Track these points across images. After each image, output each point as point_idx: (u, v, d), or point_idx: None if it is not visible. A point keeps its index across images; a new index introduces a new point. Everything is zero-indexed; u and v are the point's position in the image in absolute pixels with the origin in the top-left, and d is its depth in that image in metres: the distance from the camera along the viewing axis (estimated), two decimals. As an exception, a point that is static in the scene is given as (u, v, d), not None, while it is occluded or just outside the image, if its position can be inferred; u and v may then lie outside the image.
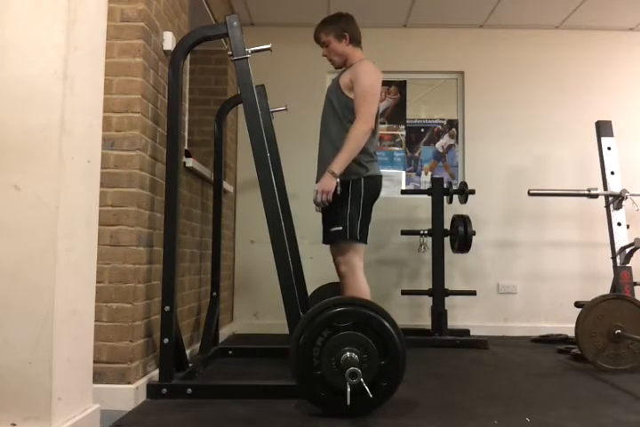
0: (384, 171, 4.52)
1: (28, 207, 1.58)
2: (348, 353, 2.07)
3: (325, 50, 2.99)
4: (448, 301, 3.92)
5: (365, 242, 2.82)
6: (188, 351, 2.86)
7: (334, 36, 2.93)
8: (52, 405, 1.56)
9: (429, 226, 3.99)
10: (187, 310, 3.10)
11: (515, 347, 3.85)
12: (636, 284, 3.49)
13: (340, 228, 2.76)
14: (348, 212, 2.76)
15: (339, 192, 2.71)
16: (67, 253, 1.63)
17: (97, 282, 1.88)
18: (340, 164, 2.69)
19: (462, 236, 3.85)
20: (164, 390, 2.32)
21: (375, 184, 2.86)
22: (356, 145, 2.71)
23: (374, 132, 2.88)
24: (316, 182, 2.83)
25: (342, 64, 2.98)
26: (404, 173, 4.59)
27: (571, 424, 2.05)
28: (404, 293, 4.07)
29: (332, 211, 2.80)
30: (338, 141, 2.79)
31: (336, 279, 2.95)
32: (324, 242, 2.90)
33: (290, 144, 4.10)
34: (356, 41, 2.97)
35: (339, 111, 2.84)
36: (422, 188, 4.47)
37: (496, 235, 4.43)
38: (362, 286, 2.74)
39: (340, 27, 2.94)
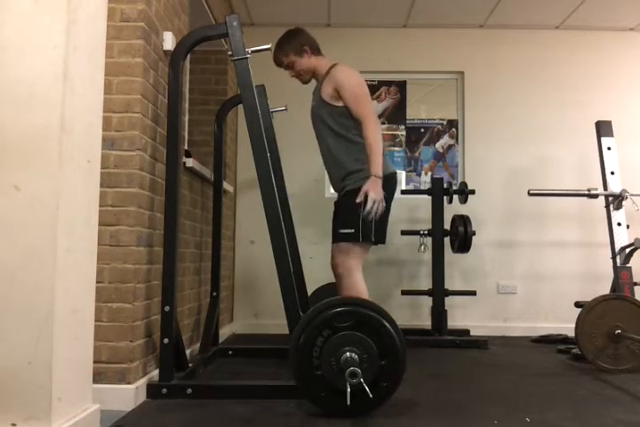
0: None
1: (28, 207, 1.58)
2: (347, 353, 2.06)
3: (291, 71, 2.97)
4: (448, 301, 3.92)
5: (383, 242, 2.85)
6: (188, 351, 2.86)
7: (294, 53, 2.90)
8: (52, 405, 1.56)
9: (429, 226, 3.99)
10: (187, 310, 3.10)
11: (515, 347, 3.85)
12: (636, 284, 3.49)
13: (352, 230, 2.74)
14: (362, 215, 2.73)
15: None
16: (67, 253, 1.63)
17: (97, 282, 1.88)
18: (377, 166, 2.68)
19: (462, 236, 3.85)
20: (164, 391, 2.32)
21: (389, 183, 2.85)
22: (378, 145, 2.71)
23: None
24: (337, 203, 2.89)
25: (311, 78, 2.97)
26: (404, 173, 4.59)
27: (571, 424, 2.05)
28: (403, 293, 4.07)
29: (344, 213, 2.80)
30: (340, 155, 2.81)
31: (336, 279, 2.95)
32: (334, 241, 2.87)
33: (290, 144, 4.10)
34: (316, 50, 2.95)
35: (333, 125, 2.83)
36: (422, 188, 4.46)
37: (496, 235, 4.43)
38: (359, 287, 2.74)
39: (297, 43, 2.91)
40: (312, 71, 2.94)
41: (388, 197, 2.83)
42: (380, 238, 2.82)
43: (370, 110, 2.76)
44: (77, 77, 1.69)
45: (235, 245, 4.46)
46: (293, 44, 2.90)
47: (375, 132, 2.72)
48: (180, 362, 2.53)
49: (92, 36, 1.81)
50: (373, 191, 2.65)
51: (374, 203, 2.65)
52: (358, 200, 2.66)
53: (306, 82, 3.01)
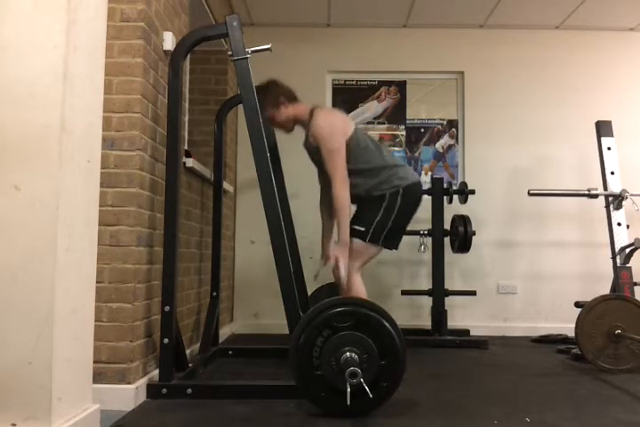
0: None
1: (28, 207, 1.58)
2: (347, 353, 2.06)
3: (273, 124, 2.99)
4: (448, 301, 3.91)
5: (396, 248, 2.89)
6: (188, 351, 2.86)
7: (272, 107, 2.90)
8: (52, 405, 1.56)
9: (429, 226, 3.98)
10: (187, 310, 3.10)
11: (515, 347, 3.85)
12: (636, 284, 3.49)
13: (363, 229, 2.79)
14: (378, 218, 2.78)
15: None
16: (67, 252, 1.63)
17: (97, 282, 1.88)
18: (345, 231, 2.71)
19: (462, 236, 3.85)
20: (164, 391, 2.32)
21: (413, 192, 2.87)
22: (344, 207, 2.72)
23: (376, 146, 2.92)
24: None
25: (294, 126, 2.99)
26: (404, 173, 4.58)
27: (571, 424, 2.05)
28: (403, 293, 4.07)
29: (362, 212, 2.84)
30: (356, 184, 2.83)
31: (336, 279, 2.95)
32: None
33: (290, 144, 4.08)
34: (292, 98, 2.96)
35: None
36: (422, 188, 4.46)
37: (496, 235, 4.43)
38: (357, 288, 2.76)
39: (272, 96, 2.90)
40: (293, 120, 2.96)
41: (407, 208, 2.85)
42: (391, 244, 2.86)
43: (340, 170, 2.75)
44: (77, 77, 1.69)
45: (235, 245, 4.45)
46: (269, 98, 2.88)
47: (342, 195, 2.72)
48: (180, 362, 2.53)
49: (92, 36, 1.81)
50: (343, 258, 2.70)
51: (339, 264, 2.70)
52: (332, 262, 2.73)
53: (290, 130, 3.04)
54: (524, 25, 4.49)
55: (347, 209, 2.73)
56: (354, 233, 2.80)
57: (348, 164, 2.80)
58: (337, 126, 2.83)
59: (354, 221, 2.83)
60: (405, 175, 2.86)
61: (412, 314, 4.35)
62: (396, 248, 2.91)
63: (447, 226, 4.02)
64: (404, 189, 2.82)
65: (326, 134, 2.79)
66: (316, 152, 2.89)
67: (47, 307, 1.56)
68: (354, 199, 2.84)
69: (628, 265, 3.49)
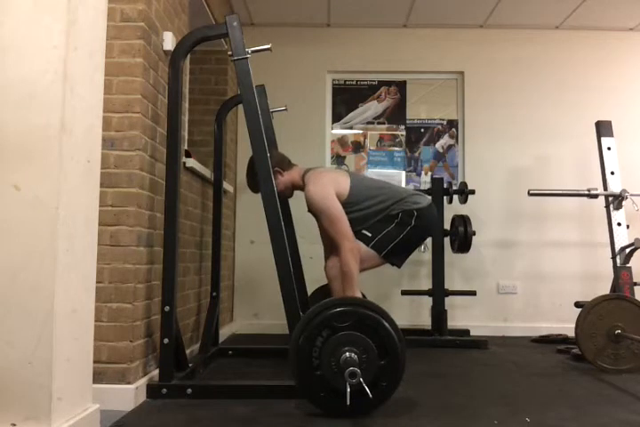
0: (384, 171, 4.53)
1: (28, 207, 1.58)
2: (347, 353, 2.06)
3: None
4: (448, 301, 3.91)
5: (397, 265, 2.90)
6: (188, 351, 2.86)
7: None
8: (52, 405, 1.56)
9: (429, 226, 3.98)
10: (187, 310, 3.10)
11: (515, 347, 3.85)
12: (636, 284, 3.48)
13: (370, 235, 2.81)
14: (388, 229, 2.80)
15: None
16: (67, 253, 1.63)
17: (97, 282, 1.88)
18: (353, 293, 2.69)
19: (462, 236, 3.85)
20: (164, 391, 2.32)
21: (427, 215, 2.87)
22: (354, 276, 2.70)
23: (383, 186, 2.95)
24: None
25: (293, 191, 3.04)
26: (403, 173, 4.59)
27: (571, 424, 2.05)
28: (404, 293, 4.07)
29: (374, 223, 2.84)
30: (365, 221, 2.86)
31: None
32: None
33: (290, 144, 4.09)
34: (286, 165, 3.01)
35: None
36: (422, 188, 4.46)
37: (496, 235, 4.42)
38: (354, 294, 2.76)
39: None
40: (291, 186, 3.01)
41: (424, 228, 2.87)
42: (394, 260, 2.87)
43: (346, 235, 2.71)
44: (77, 77, 1.69)
45: (235, 245, 4.45)
46: None
47: (349, 255, 2.68)
48: (179, 362, 2.53)
49: (92, 36, 1.81)
50: None
51: None
52: None
53: (289, 196, 3.10)
54: (523, 25, 4.49)
55: (356, 277, 2.71)
56: (359, 237, 2.81)
57: (355, 207, 2.83)
58: (328, 192, 2.80)
59: (364, 228, 2.85)
60: (420, 200, 2.88)
61: (412, 314, 4.36)
62: (399, 266, 2.92)
63: (447, 226, 4.02)
64: (418, 211, 2.84)
65: (320, 201, 2.78)
66: (318, 218, 2.91)
67: (47, 307, 1.56)
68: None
69: (627, 265, 3.49)
